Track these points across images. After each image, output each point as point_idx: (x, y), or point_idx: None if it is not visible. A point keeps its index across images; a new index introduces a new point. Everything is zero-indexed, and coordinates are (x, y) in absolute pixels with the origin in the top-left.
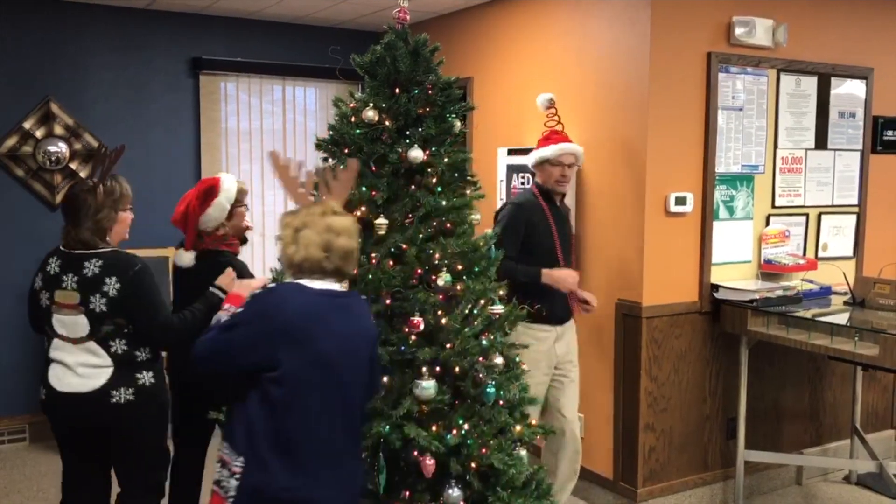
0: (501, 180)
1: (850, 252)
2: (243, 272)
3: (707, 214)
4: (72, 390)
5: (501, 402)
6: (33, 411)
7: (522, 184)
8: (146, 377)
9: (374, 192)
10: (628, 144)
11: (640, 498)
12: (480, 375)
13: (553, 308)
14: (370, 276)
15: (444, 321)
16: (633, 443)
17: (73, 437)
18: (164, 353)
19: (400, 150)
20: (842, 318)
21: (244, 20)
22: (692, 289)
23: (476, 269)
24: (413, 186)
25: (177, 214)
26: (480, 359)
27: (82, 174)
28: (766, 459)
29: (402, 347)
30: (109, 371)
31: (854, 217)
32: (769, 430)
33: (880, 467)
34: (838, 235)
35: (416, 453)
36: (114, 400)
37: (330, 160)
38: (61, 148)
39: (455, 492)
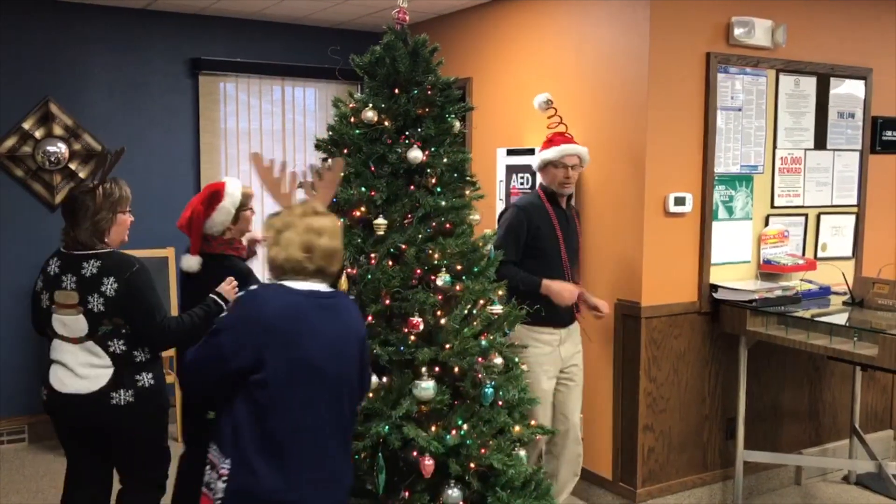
0: (501, 181)
1: (849, 252)
2: (249, 276)
3: (706, 215)
4: (72, 391)
5: (500, 403)
6: (32, 412)
7: (522, 184)
8: (146, 379)
9: (373, 193)
10: (627, 145)
11: (640, 498)
12: (480, 376)
13: (556, 311)
14: (369, 277)
15: (443, 321)
16: (633, 443)
17: (75, 436)
18: (167, 354)
19: (399, 150)
20: (841, 319)
21: (243, 20)
22: (691, 289)
23: (475, 270)
24: (412, 187)
25: (182, 220)
26: (480, 359)
27: (81, 175)
28: (765, 459)
29: (402, 348)
30: (109, 372)
31: (853, 217)
32: (768, 430)
33: (879, 467)
34: (837, 235)
35: (415, 453)
36: (114, 401)
37: (329, 161)
38: (60, 148)
39: (454, 492)
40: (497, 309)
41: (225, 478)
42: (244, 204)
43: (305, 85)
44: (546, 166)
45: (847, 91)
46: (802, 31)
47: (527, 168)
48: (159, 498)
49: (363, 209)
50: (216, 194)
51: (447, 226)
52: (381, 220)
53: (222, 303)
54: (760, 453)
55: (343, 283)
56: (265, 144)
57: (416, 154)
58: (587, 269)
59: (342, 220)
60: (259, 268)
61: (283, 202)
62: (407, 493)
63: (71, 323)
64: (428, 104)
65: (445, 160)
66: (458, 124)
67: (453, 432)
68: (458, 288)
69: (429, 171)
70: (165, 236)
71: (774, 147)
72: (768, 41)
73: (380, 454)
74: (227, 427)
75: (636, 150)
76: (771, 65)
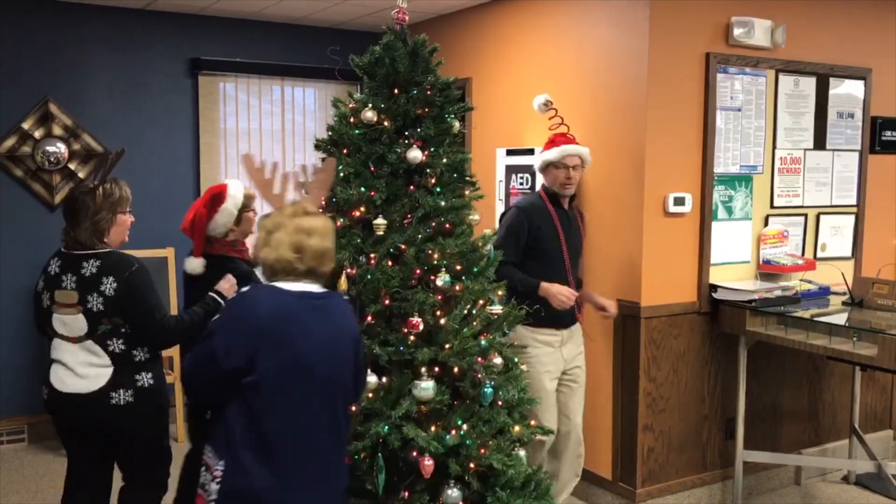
0: (500, 181)
1: (848, 252)
2: (250, 277)
3: (706, 215)
4: (73, 391)
5: (500, 403)
6: (32, 412)
7: (521, 184)
8: (145, 379)
9: (372, 193)
10: (627, 145)
11: (639, 498)
12: (479, 376)
13: (557, 312)
14: (369, 277)
15: (442, 321)
16: (632, 443)
17: (75, 436)
18: (167, 354)
19: (399, 150)
20: (840, 319)
21: (243, 21)
22: (691, 289)
23: (475, 270)
24: (412, 187)
25: (185, 222)
26: (479, 359)
27: (81, 175)
28: (764, 460)
29: (401, 348)
30: (109, 371)
31: (852, 217)
32: (768, 430)
33: (879, 467)
34: (837, 236)
35: (414, 453)
36: (113, 401)
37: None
38: (60, 148)
39: (454, 492)
40: (497, 309)
41: (218, 479)
42: (246, 205)
43: (305, 85)
44: (547, 167)
45: (846, 91)
46: (802, 31)
47: (526, 168)
48: (161, 496)
49: (363, 209)
50: (218, 196)
51: (447, 226)
52: (380, 221)
53: (221, 301)
54: (760, 453)
55: (343, 283)
56: (265, 144)
57: (415, 154)
58: (587, 270)
59: (341, 220)
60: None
61: (274, 203)
62: (406, 493)
63: (71, 322)
64: (427, 104)
65: (445, 160)
66: (457, 124)
67: (453, 432)
68: (457, 288)
69: (428, 171)
70: (165, 237)
71: (774, 147)
72: (768, 41)
73: (379, 454)
74: (221, 428)
75: (636, 150)
76: (770, 65)
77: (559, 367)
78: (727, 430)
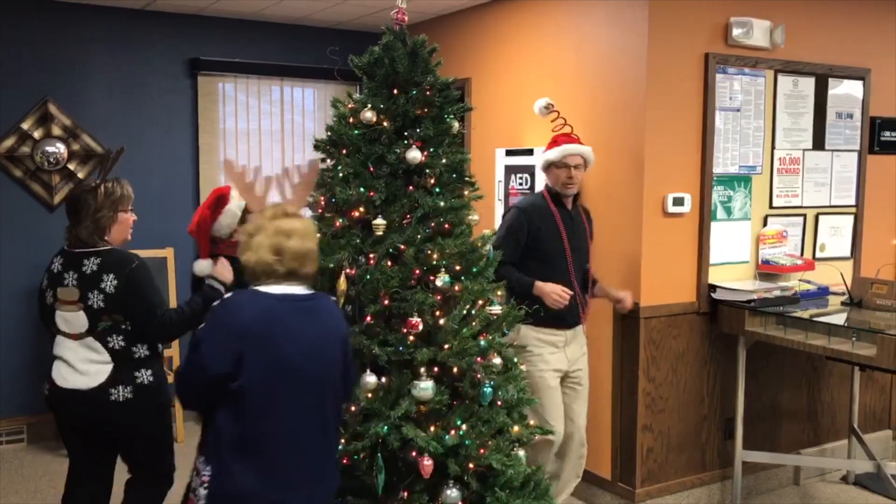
0: (500, 181)
1: (847, 252)
2: None
3: (705, 215)
4: (73, 387)
5: (499, 403)
6: (31, 412)
7: (521, 185)
8: (144, 376)
9: (372, 193)
10: (626, 145)
11: (639, 498)
12: (478, 376)
13: (560, 312)
14: (368, 277)
15: (442, 322)
16: (632, 443)
17: (77, 433)
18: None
19: (398, 150)
20: (839, 319)
21: (242, 21)
22: (690, 289)
23: (474, 270)
24: (411, 187)
25: (192, 225)
26: (478, 359)
27: (80, 175)
28: (763, 460)
29: (401, 348)
30: (109, 368)
31: (851, 217)
32: (767, 430)
33: (878, 467)
34: (836, 236)
35: (414, 454)
36: (112, 398)
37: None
38: (59, 148)
39: (453, 492)
40: (496, 309)
41: (206, 484)
42: (249, 207)
43: (304, 85)
44: (549, 167)
45: (845, 91)
46: (801, 31)
47: (525, 169)
48: (165, 491)
49: (362, 209)
50: (222, 198)
51: (446, 226)
52: (379, 221)
53: (219, 286)
54: (759, 453)
55: (342, 284)
56: (264, 145)
57: (414, 154)
58: None
59: (341, 220)
60: None
61: (255, 206)
62: (406, 494)
63: (72, 319)
64: (427, 104)
65: (444, 161)
66: (456, 125)
67: (452, 432)
68: (456, 288)
69: (427, 171)
70: (165, 237)
71: (773, 147)
72: (767, 42)
73: (379, 454)
74: (210, 433)
75: (635, 150)
76: (769, 65)
77: (563, 366)
78: (726, 431)
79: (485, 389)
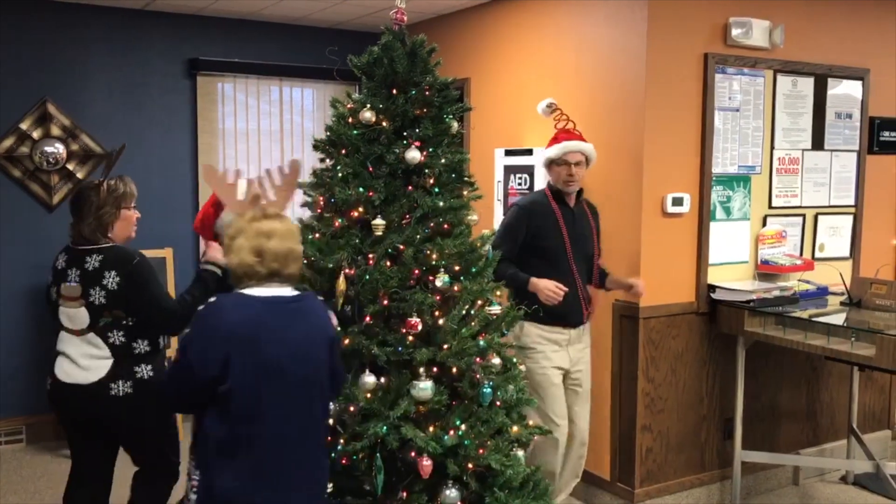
0: (499, 181)
1: (846, 252)
2: None
3: (704, 215)
4: (74, 381)
5: (499, 403)
6: (31, 412)
7: (520, 185)
8: (144, 371)
9: (371, 193)
10: (625, 145)
11: (638, 498)
12: (478, 376)
13: (565, 310)
14: (367, 277)
15: (441, 322)
16: (631, 443)
17: (79, 429)
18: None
19: (397, 150)
20: (838, 319)
21: (241, 21)
22: (689, 289)
23: (473, 270)
24: (410, 187)
25: (196, 222)
26: (478, 359)
27: (79, 175)
28: (762, 460)
29: (400, 348)
30: (109, 363)
31: (851, 218)
32: (766, 430)
33: (877, 467)
34: (835, 236)
35: (413, 454)
36: (112, 392)
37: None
38: (58, 149)
39: (452, 492)
40: (495, 309)
41: (195, 489)
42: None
43: (303, 85)
44: (550, 164)
45: (845, 91)
46: (800, 31)
47: (525, 169)
48: (171, 484)
49: (361, 209)
50: None
51: (445, 226)
52: (379, 221)
53: (216, 269)
54: (758, 453)
55: (341, 284)
56: (263, 145)
57: (414, 154)
58: None
59: (340, 220)
60: None
61: (238, 210)
62: (405, 494)
63: (74, 315)
64: (426, 105)
65: (443, 161)
66: (456, 125)
67: (451, 432)
68: (456, 288)
69: (427, 171)
70: (164, 237)
71: (772, 147)
72: (766, 42)
73: (378, 454)
74: (200, 438)
75: (634, 150)
76: (768, 65)
77: (564, 365)
78: (725, 431)
79: (484, 390)
